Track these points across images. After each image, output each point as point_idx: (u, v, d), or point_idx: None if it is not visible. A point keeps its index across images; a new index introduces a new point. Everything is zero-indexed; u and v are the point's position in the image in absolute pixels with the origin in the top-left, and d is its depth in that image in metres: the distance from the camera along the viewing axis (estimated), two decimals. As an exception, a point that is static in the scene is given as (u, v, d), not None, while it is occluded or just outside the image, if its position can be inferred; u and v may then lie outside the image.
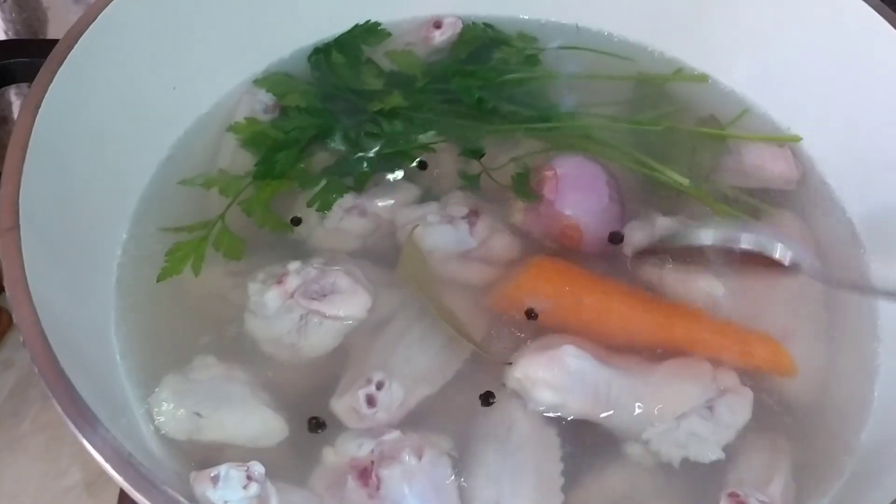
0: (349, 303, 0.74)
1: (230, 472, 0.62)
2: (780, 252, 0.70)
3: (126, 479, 0.54)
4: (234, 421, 0.70)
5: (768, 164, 0.87)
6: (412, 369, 0.72)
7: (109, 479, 0.56)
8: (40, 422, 0.87)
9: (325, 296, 0.74)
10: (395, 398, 0.70)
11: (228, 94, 0.91)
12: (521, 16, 1.00)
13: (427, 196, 0.84)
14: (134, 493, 0.54)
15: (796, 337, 0.77)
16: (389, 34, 0.97)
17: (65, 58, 0.72)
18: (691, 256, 0.75)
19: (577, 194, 0.81)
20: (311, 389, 0.73)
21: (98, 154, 0.77)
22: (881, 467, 0.69)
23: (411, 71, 0.94)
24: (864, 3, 0.80)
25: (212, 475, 0.61)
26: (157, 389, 0.71)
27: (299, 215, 0.82)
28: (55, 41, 0.74)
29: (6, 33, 1.13)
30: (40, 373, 0.57)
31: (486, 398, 0.72)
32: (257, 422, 0.70)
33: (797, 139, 0.90)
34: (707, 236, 0.74)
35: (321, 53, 0.95)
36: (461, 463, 0.69)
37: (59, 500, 0.83)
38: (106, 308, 0.76)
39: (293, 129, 0.86)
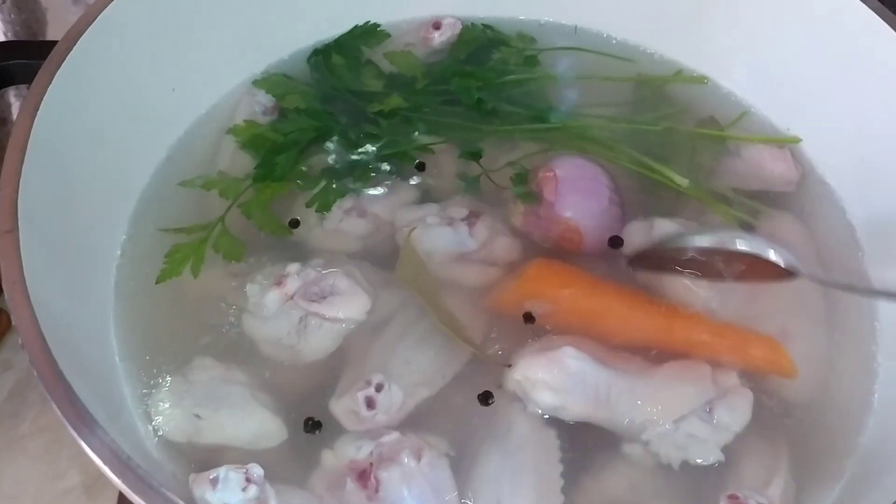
0: (349, 305, 0.74)
1: (229, 475, 0.61)
2: (774, 256, 0.70)
3: (124, 481, 0.54)
4: (233, 422, 0.70)
5: (768, 166, 0.87)
6: (411, 371, 0.72)
7: (108, 481, 0.55)
8: (39, 423, 0.87)
9: (324, 298, 0.74)
10: (394, 400, 0.70)
11: (227, 95, 0.91)
12: (520, 17, 1.00)
13: (427, 197, 0.84)
14: (132, 496, 0.54)
15: (796, 338, 0.76)
16: (389, 35, 0.97)
17: (64, 59, 0.72)
18: (688, 261, 0.75)
19: (577, 196, 0.81)
20: (310, 391, 0.73)
21: (97, 155, 0.77)
22: (881, 468, 0.69)
23: (411, 72, 0.94)
24: (863, 5, 0.79)
25: (211, 477, 0.61)
26: (155, 391, 0.71)
27: (298, 217, 0.82)
28: (54, 42, 0.74)
29: (5, 34, 1.12)
30: (39, 375, 0.57)
31: (485, 398, 0.72)
32: (256, 423, 0.70)
33: (796, 140, 0.90)
34: (703, 240, 0.74)
35: (320, 55, 0.95)
36: (460, 464, 0.69)
37: (58, 501, 0.83)
38: (105, 309, 0.76)
39: (293, 132, 0.86)
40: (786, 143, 0.89)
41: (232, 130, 0.87)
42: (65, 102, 0.72)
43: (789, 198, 0.87)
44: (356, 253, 0.81)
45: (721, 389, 0.71)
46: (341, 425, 0.70)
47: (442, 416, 0.71)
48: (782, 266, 0.70)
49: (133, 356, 0.74)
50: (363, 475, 0.65)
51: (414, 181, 0.86)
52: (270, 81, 0.92)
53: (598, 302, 0.78)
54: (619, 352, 0.74)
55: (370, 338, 0.75)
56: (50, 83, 0.70)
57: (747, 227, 0.83)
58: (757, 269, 0.71)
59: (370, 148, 0.88)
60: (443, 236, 0.79)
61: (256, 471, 0.62)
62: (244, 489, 0.61)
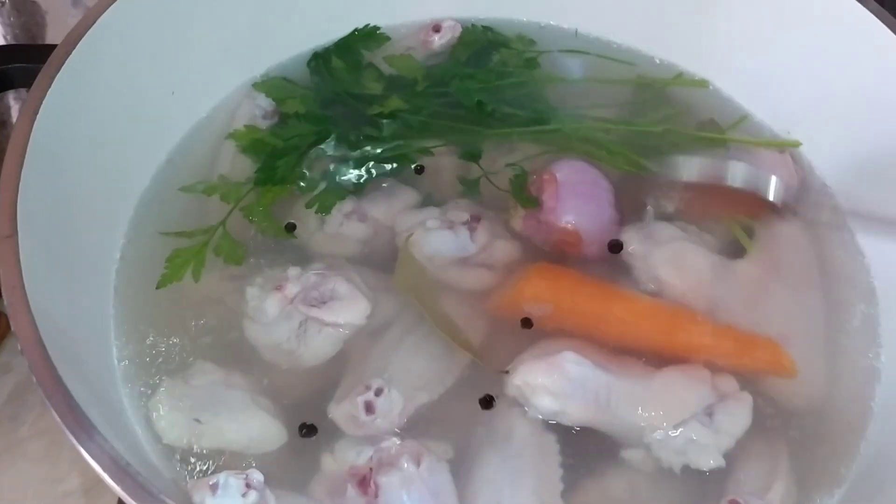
0: (348, 310, 0.74)
1: (229, 480, 0.61)
2: (772, 189, 0.68)
3: (124, 488, 0.54)
4: (233, 427, 0.70)
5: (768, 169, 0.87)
6: (411, 376, 0.72)
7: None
8: (39, 426, 0.87)
9: (324, 303, 0.74)
10: (393, 405, 0.70)
11: (227, 98, 0.91)
12: (521, 18, 1.00)
13: (427, 201, 0.84)
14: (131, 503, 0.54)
15: (796, 341, 0.76)
16: (389, 38, 0.96)
17: (63, 62, 0.72)
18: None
19: (578, 200, 0.80)
20: (310, 395, 0.73)
21: (96, 159, 0.77)
22: (884, 474, 0.69)
23: (411, 75, 0.94)
24: (863, 8, 0.79)
25: (210, 483, 0.61)
26: (155, 395, 0.71)
27: (294, 221, 0.82)
28: (54, 46, 0.73)
29: (4, 38, 1.12)
30: (38, 381, 0.57)
31: (488, 402, 0.72)
32: (256, 428, 0.70)
33: (797, 144, 0.90)
34: (693, 167, 0.71)
35: (320, 58, 0.94)
36: (460, 469, 0.69)
37: (57, 505, 0.83)
38: (104, 314, 0.76)
39: (293, 137, 0.86)
40: (786, 147, 0.89)
41: (232, 135, 0.87)
42: (64, 106, 0.72)
43: (790, 201, 0.86)
44: (356, 257, 0.81)
45: (721, 394, 0.71)
46: (341, 430, 0.70)
47: (442, 421, 0.71)
48: (771, 200, 0.67)
49: (132, 360, 0.74)
50: (363, 481, 0.65)
51: (414, 185, 0.85)
52: (270, 85, 0.92)
53: (599, 305, 0.78)
54: (619, 356, 0.74)
55: (370, 342, 0.74)
56: (49, 87, 0.70)
57: (748, 230, 0.83)
58: (747, 201, 0.69)
59: (370, 151, 0.87)
60: (443, 240, 0.79)
61: (256, 476, 0.62)
62: (244, 495, 0.61)
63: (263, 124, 0.89)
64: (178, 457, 0.69)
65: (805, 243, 0.83)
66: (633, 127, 0.90)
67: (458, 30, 0.97)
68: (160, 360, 0.74)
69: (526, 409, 0.71)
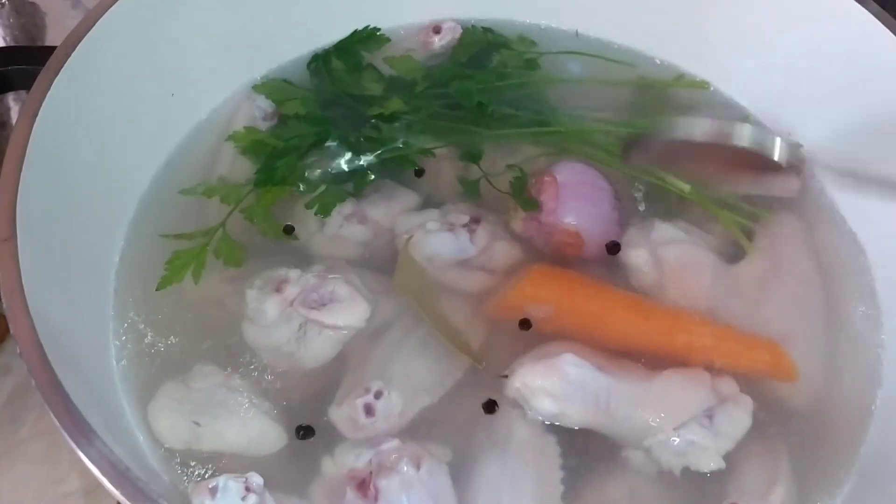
0: (348, 312, 0.74)
1: (228, 483, 0.61)
2: (778, 149, 0.67)
3: (123, 493, 0.54)
4: (232, 430, 0.70)
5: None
6: (411, 378, 0.72)
7: (107, 487, 0.56)
8: (39, 427, 0.87)
9: (324, 305, 0.74)
10: (393, 407, 0.70)
11: (227, 100, 0.91)
12: (521, 20, 0.99)
13: (427, 203, 0.84)
14: (131, 507, 0.54)
15: (797, 342, 0.76)
16: (389, 40, 0.96)
17: (63, 65, 0.72)
18: (683, 153, 0.71)
19: (578, 202, 0.80)
20: (310, 398, 0.73)
21: (96, 161, 0.77)
22: (885, 476, 0.69)
23: (411, 76, 0.94)
24: (864, 10, 0.79)
25: (210, 486, 0.61)
26: (154, 398, 0.71)
27: (294, 223, 0.82)
28: (53, 48, 0.73)
29: (4, 39, 1.12)
30: (37, 384, 0.57)
31: (490, 406, 0.72)
32: (256, 431, 0.70)
33: (797, 146, 0.89)
34: (701, 127, 0.70)
35: (320, 60, 0.94)
36: (460, 471, 0.69)
37: (57, 506, 0.83)
38: (104, 316, 0.76)
39: (293, 138, 0.86)
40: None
41: (232, 137, 0.87)
42: (64, 108, 0.72)
43: (791, 203, 0.86)
44: (356, 259, 0.80)
45: (721, 396, 0.71)
46: (341, 433, 0.70)
47: (442, 424, 0.71)
48: (777, 161, 0.66)
49: (132, 362, 0.74)
50: (363, 485, 0.65)
51: (414, 186, 0.85)
52: (270, 86, 0.91)
53: (599, 307, 0.77)
54: (618, 358, 0.74)
55: (370, 344, 0.74)
56: (49, 88, 0.70)
57: (747, 231, 0.83)
58: (755, 161, 0.68)
59: (370, 152, 0.87)
60: (443, 242, 0.79)
61: (256, 479, 0.62)
62: (244, 498, 0.61)
63: (263, 126, 0.89)
64: (177, 460, 0.69)
65: (805, 244, 0.83)
66: (634, 128, 0.90)
67: (459, 31, 0.97)
68: (159, 362, 0.74)
69: (526, 411, 0.71)
